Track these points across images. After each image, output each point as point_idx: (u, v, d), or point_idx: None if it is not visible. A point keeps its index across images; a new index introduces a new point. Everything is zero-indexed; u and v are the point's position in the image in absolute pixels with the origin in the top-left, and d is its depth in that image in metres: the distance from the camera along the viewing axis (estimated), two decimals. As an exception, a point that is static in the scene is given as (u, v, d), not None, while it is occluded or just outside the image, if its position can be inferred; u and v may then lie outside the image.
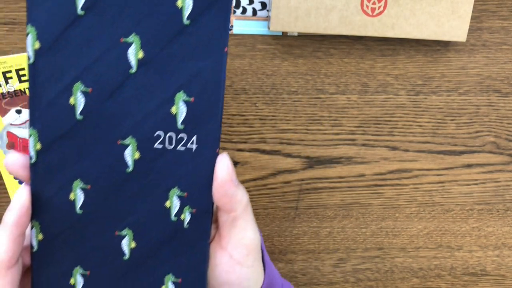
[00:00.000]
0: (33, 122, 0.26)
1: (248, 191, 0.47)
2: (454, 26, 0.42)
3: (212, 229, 0.30)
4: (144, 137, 0.27)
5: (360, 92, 0.46)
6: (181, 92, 0.27)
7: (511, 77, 0.47)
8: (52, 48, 0.26)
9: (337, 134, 0.47)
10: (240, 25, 0.42)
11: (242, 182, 0.47)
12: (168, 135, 0.27)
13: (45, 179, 0.27)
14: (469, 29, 0.45)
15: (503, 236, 0.53)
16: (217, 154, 0.27)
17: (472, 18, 0.45)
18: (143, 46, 0.26)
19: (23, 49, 0.40)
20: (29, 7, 0.25)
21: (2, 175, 0.42)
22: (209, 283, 0.30)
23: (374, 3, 0.40)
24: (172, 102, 0.27)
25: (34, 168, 0.27)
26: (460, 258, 0.53)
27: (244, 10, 0.42)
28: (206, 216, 0.28)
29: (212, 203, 0.28)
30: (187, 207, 0.28)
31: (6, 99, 0.40)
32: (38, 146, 0.27)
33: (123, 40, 0.26)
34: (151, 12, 0.26)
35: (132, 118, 0.27)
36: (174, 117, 0.27)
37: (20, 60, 0.39)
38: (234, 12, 0.42)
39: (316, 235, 0.50)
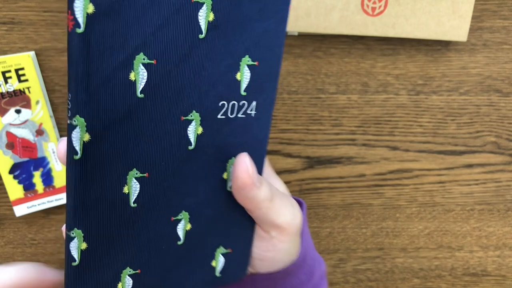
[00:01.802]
0: (79, 109, 0.21)
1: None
2: (455, 26, 0.42)
3: None
4: (208, 109, 0.24)
5: (361, 92, 0.45)
6: (247, 56, 0.24)
7: (512, 77, 0.47)
8: (109, 12, 0.20)
9: (338, 134, 0.47)
10: (240, 25, 0.42)
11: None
12: (231, 103, 0.24)
13: (93, 177, 0.22)
14: (470, 29, 0.45)
15: (503, 236, 0.52)
16: (271, 117, 0.26)
17: (473, 17, 0.45)
18: (214, 7, 0.22)
19: (22, 49, 0.40)
20: None
21: (2, 175, 0.42)
22: None
23: (374, 2, 0.40)
24: (237, 68, 0.24)
25: (79, 165, 0.21)
26: (461, 259, 0.53)
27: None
28: None
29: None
30: None
31: (6, 99, 0.40)
32: (87, 137, 0.21)
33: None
34: None
35: (197, 89, 0.23)
36: (238, 83, 0.24)
37: (19, 60, 0.39)
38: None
39: (317, 235, 0.50)
